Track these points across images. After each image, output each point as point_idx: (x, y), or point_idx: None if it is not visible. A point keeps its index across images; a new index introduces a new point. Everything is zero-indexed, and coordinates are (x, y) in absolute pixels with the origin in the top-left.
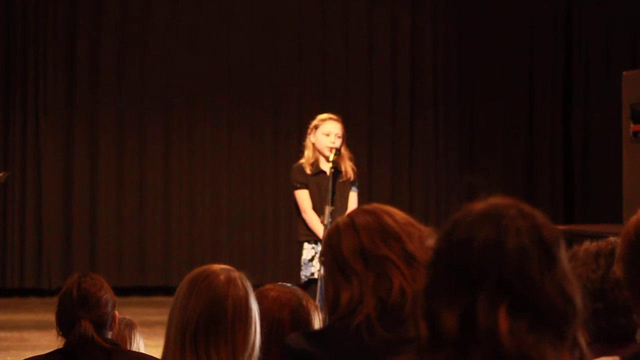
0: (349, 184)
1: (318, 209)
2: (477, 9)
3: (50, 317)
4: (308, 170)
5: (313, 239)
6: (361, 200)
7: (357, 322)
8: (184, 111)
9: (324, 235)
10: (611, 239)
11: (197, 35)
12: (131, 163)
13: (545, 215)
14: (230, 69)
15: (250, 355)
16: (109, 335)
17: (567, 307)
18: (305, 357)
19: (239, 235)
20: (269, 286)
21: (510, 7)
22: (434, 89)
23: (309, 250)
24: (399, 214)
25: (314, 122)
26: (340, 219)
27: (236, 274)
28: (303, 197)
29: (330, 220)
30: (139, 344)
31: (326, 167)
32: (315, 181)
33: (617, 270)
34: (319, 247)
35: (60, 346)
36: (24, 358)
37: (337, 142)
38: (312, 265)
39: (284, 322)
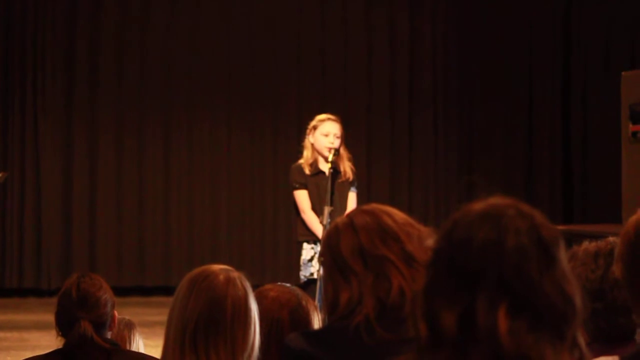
0: (348, 184)
1: (317, 209)
2: (477, 9)
3: (50, 317)
4: (307, 171)
5: (312, 239)
6: (360, 200)
7: (357, 322)
8: (184, 111)
9: (323, 236)
10: (610, 239)
11: (197, 35)
12: (130, 163)
13: (544, 215)
14: (229, 69)
15: (250, 355)
16: (109, 335)
17: (567, 307)
18: (304, 357)
19: (239, 236)
20: (268, 286)
21: (509, 7)
22: (433, 89)
23: (308, 251)
24: (398, 214)
25: (313, 123)
26: (339, 219)
27: (235, 274)
28: (302, 197)
29: (329, 220)
30: (139, 344)
31: (325, 167)
32: (314, 181)
33: (616, 270)
34: (318, 248)
35: (60, 346)
36: (23, 358)
37: (336, 143)
38: (312, 266)
39: (283, 322)
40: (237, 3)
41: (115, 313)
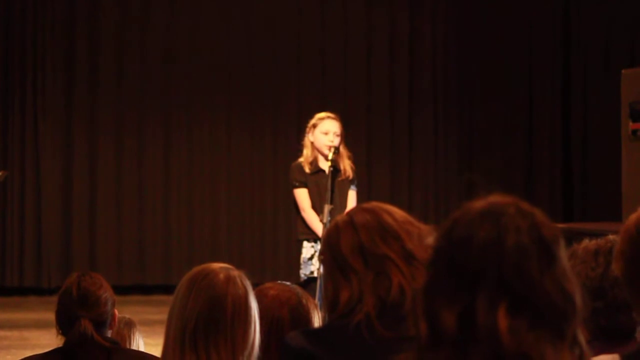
0: (348, 183)
1: (317, 208)
2: (477, 9)
3: (50, 316)
4: (307, 169)
5: (312, 237)
6: (360, 199)
7: (357, 320)
8: (183, 111)
9: (323, 234)
10: (610, 237)
11: (197, 35)
12: (130, 163)
13: (544, 214)
14: (229, 70)
15: (250, 354)
16: (109, 334)
17: (567, 306)
18: (304, 355)
19: (239, 234)
20: (268, 285)
21: (509, 7)
22: (433, 89)
23: (308, 249)
24: (398, 212)
25: (313, 121)
26: (340, 218)
27: (235, 272)
28: (302, 195)
29: (329, 218)
30: (139, 343)
31: (325, 165)
32: (314, 180)
33: (616, 268)
34: (318, 246)
35: (60, 345)
36: (23, 357)
37: (336, 141)
38: (312, 264)
39: (283, 320)
40: (237, 3)
41: (116, 312)
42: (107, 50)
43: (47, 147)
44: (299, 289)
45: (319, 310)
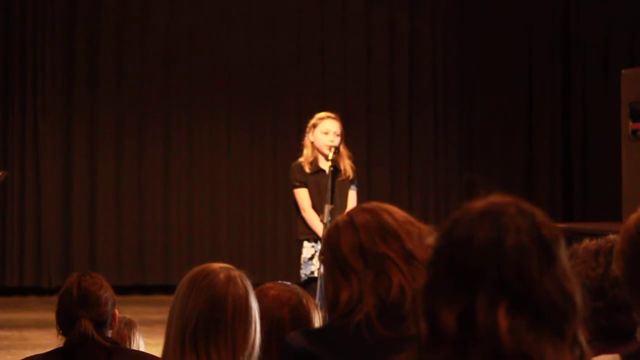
0: (348, 183)
1: (317, 208)
2: (477, 9)
3: (50, 316)
4: (307, 169)
5: (312, 237)
6: (360, 200)
7: (357, 320)
8: (183, 111)
9: (323, 234)
10: (611, 236)
11: (197, 35)
12: (130, 163)
13: (544, 214)
14: (229, 70)
15: (250, 354)
16: (109, 334)
17: (567, 305)
18: (305, 355)
19: (239, 234)
20: (268, 285)
21: (509, 7)
22: (433, 89)
23: (308, 249)
24: (398, 212)
25: (313, 121)
26: (340, 218)
27: (236, 272)
28: (302, 195)
29: (329, 218)
30: (139, 343)
31: (325, 165)
32: (315, 180)
33: (616, 267)
34: (319, 246)
35: (61, 345)
36: (24, 357)
37: (336, 141)
38: (312, 264)
39: (283, 320)
40: (237, 3)
41: (116, 312)
42: (107, 50)
43: (47, 147)
44: (299, 289)
45: (319, 310)
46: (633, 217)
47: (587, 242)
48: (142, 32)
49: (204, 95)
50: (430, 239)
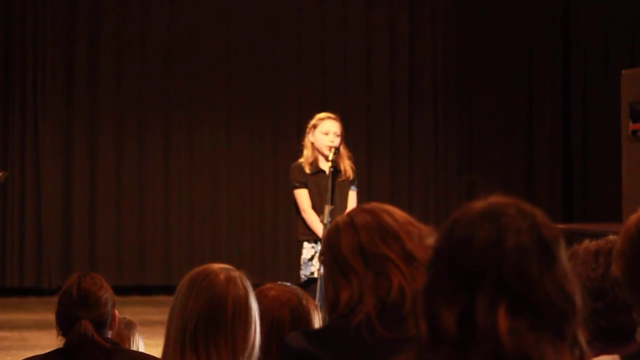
0: (348, 183)
1: (317, 208)
2: (477, 9)
3: (50, 317)
4: (307, 170)
5: (312, 238)
6: (360, 200)
7: (357, 321)
8: (183, 111)
9: (323, 235)
10: (611, 237)
11: (197, 35)
12: (130, 163)
13: (545, 214)
14: (229, 70)
15: (250, 355)
16: (109, 334)
17: (567, 306)
18: (304, 356)
19: (239, 235)
20: (268, 285)
21: (509, 7)
22: (433, 89)
23: (308, 250)
24: (398, 212)
25: (313, 122)
26: (340, 218)
27: (236, 273)
28: (302, 196)
29: (329, 219)
30: (139, 344)
31: (325, 166)
32: (315, 180)
33: (616, 268)
34: (319, 247)
35: (60, 345)
36: (24, 357)
37: (336, 141)
38: (312, 265)
39: (283, 321)
40: (237, 3)
41: (116, 312)
42: (107, 50)
43: (47, 147)
44: (299, 290)
45: (319, 311)
46: (633, 218)
47: (587, 243)
48: (142, 32)
49: (204, 95)
50: (431, 240)
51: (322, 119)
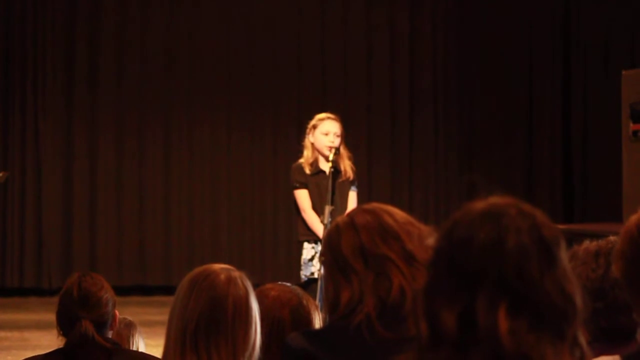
0: (349, 184)
1: (318, 209)
2: (477, 9)
3: (51, 317)
4: (307, 170)
5: (313, 238)
6: (361, 200)
7: (358, 321)
8: (184, 112)
9: (324, 235)
10: (611, 238)
11: (197, 35)
12: (131, 163)
13: (545, 215)
14: (229, 70)
15: (251, 355)
16: (110, 334)
17: (567, 306)
18: (305, 356)
19: (239, 235)
20: (269, 285)
21: (509, 7)
22: (433, 89)
23: (308, 250)
24: (398, 213)
25: (313, 122)
26: (340, 219)
27: (236, 273)
28: (303, 196)
29: (330, 219)
30: (139, 344)
31: (325, 166)
32: (315, 181)
33: (615, 268)
34: (319, 247)
35: (61, 346)
36: (24, 358)
37: (336, 142)
38: (312, 265)
39: (284, 321)
40: (237, 3)
41: (116, 312)
42: (107, 50)
43: (47, 148)
44: (299, 290)
45: (319, 311)
46: (633, 218)
47: (587, 244)
48: (142, 32)
49: (204, 95)
50: (431, 240)
51: (322, 120)
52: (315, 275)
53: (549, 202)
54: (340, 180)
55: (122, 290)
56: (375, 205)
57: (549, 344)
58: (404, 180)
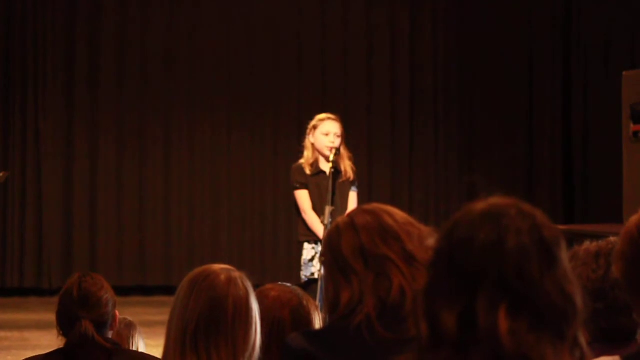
0: (349, 184)
1: (318, 209)
2: (477, 9)
3: (51, 317)
4: (308, 171)
5: (313, 239)
6: (361, 200)
7: (358, 321)
8: (184, 112)
9: (324, 236)
10: (611, 238)
11: (197, 35)
12: (131, 163)
13: (545, 215)
14: (229, 70)
15: (251, 355)
16: (110, 335)
17: (567, 307)
18: (305, 356)
19: (239, 235)
20: (269, 286)
21: (509, 7)
22: (433, 89)
23: (309, 251)
24: (398, 213)
25: (313, 123)
26: (340, 219)
27: (237, 273)
28: (303, 197)
29: (330, 220)
30: (139, 344)
31: (326, 167)
32: (315, 181)
33: (615, 269)
34: (319, 247)
35: (61, 346)
36: (24, 358)
37: (337, 142)
38: (312, 265)
39: (284, 322)
40: (237, 3)
41: (117, 313)
42: (107, 50)
43: (47, 148)
44: (300, 291)
45: (319, 312)
46: (634, 219)
47: (587, 244)
48: (142, 32)
49: (204, 96)
50: (431, 240)
51: (322, 120)
52: (316, 276)
53: (549, 202)
54: (340, 180)
55: (122, 291)
56: (375, 205)
57: (549, 344)
58: (404, 181)
